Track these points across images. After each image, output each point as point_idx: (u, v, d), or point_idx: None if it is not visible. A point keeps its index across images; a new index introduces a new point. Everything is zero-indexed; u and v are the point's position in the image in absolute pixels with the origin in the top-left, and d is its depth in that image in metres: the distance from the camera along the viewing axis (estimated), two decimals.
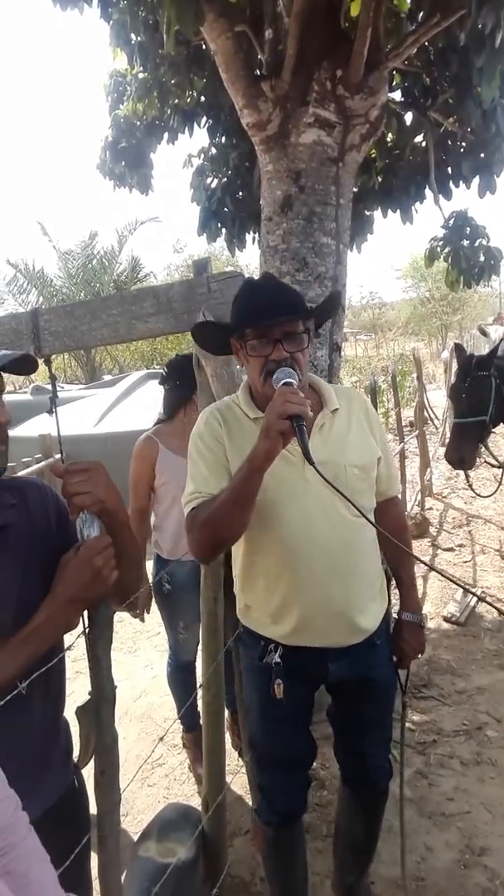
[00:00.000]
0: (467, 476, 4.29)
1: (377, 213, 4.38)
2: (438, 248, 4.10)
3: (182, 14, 2.60)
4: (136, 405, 7.48)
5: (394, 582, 1.98)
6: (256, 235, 4.09)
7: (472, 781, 2.73)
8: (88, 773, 1.29)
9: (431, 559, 5.23)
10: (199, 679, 2.28)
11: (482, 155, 3.93)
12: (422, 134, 3.98)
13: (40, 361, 1.87)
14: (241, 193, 4.24)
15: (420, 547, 5.49)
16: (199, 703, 2.26)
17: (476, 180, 3.99)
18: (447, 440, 4.06)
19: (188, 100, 4.13)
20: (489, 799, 2.61)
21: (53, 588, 1.15)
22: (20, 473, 4.56)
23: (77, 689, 1.42)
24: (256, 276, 2.02)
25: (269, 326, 1.55)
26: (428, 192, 4.07)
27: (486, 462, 4.39)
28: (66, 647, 1.30)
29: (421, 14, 3.24)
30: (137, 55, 3.64)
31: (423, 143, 4.00)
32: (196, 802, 2.46)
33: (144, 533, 2.84)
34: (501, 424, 3.84)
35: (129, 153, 4.56)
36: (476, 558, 5.27)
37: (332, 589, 1.67)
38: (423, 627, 1.97)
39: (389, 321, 31.96)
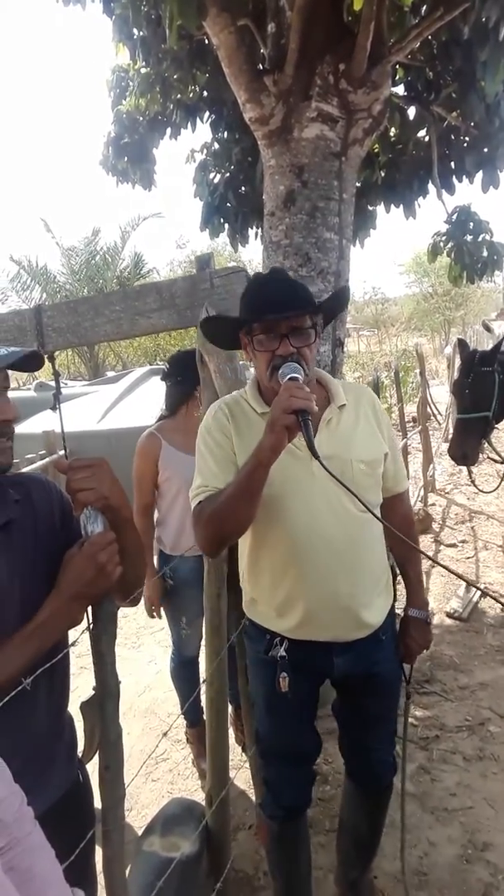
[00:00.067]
0: (470, 472, 4.29)
1: (380, 208, 4.36)
2: (441, 244, 4.09)
3: (184, 8, 2.60)
4: (140, 401, 7.48)
5: (400, 578, 1.98)
6: (259, 231, 4.08)
7: (475, 777, 2.73)
8: (93, 767, 1.30)
9: (434, 555, 5.23)
10: (203, 674, 2.28)
11: (485, 149, 3.92)
12: (425, 128, 3.97)
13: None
14: (243, 188, 4.23)
15: (423, 543, 5.49)
16: (203, 698, 2.26)
17: (479, 175, 3.98)
18: (450, 436, 4.06)
19: (191, 95, 4.11)
20: (492, 794, 2.62)
21: (57, 584, 1.15)
22: (24, 470, 4.57)
23: (81, 684, 1.43)
24: (259, 272, 2.02)
25: (276, 321, 1.56)
26: (431, 186, 4.06)
27: (489, 458, 4.38)
28: (70, 642, 1.30)
29: (424, 7, 3.23)
30: (140, 50, 3.63)
31: (427, 138, 3.98)
32: (200, 797, 2.47)
33: (150, 529, 2.84)
34: None
35: (131, 149, 4.54)
36: (479, 554, 5.27)
37: (337, 583, 1.67)
38: (430, 623, 1.98)
39: (392, 317, 31.92)
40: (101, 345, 19.28)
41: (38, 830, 0.94)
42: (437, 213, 4.16)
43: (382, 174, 4.18)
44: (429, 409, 8.02)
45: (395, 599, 1.91)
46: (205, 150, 4.44)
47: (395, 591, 1.91)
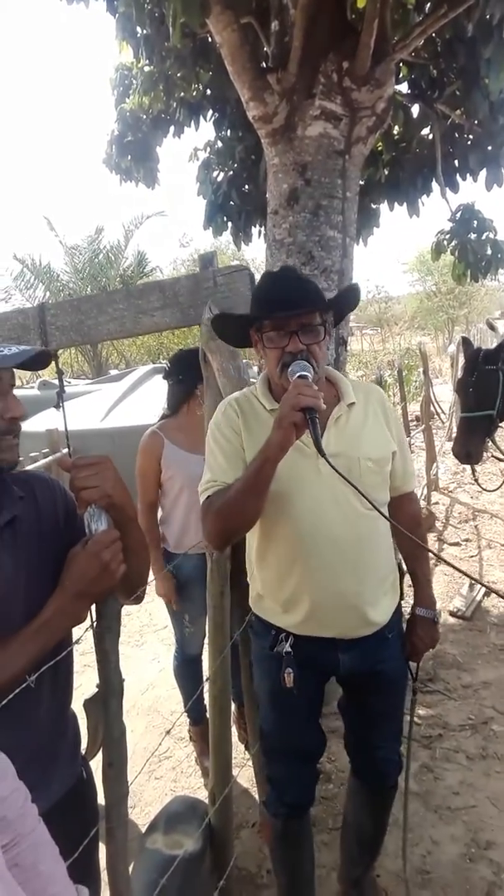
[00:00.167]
0: (473, 471, 4.28)
1: (384, 207, 4.36)
2: (445, 242, 4.08)
3: (188, 6, 2.60)
4: (143, 400, 7.49)
5: (408, 577, 1.98)
6: (262, 229, 4.08)
7: (478, 775, 2.73)
8: (96, 765, 1.30)
9: (438, 552, 5.22)
10: (206, 672, 2.28)
11: (489, 147, 3.91)
12: (429, 126, 3.96)
13: None
14: (247, 187, 4.23)
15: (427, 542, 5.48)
16: (206, 696, 2.26)
17: (483, 173, 3.97)
18: (454, 435, 4.05)
19: (194, 93, 4.11)
20: (495, 793, 2.62)
21: (62, 582, 1.16)
22: (28, 468, 4.57)
23: (85, 682, 1.43)
24: (262, 271, 2.03)
25: (286, 318, 1.57)
26: (435, 185, 4.05)
27: (493, 456, 4.38)
28: (74, 640, 1.30)
29: (428, 5, 3.22)
30: (143, 48, 3.63)
31: (430, 136, 3.98)
32: (203, 795, 2.47)
33: (154, 527, 2.85)
34: None
35: (135, 147, 4.55)
36: (482, 553, 5.27)
37: (342, 580, 1.68)
38: (437, 623, 1.98)
39: (396, 315, 31.84)
40: (105, 343, 19.29)
41: (42, 827, 0.94)
42: (440, 212, 4.16)
43: (386, 172, 4.17)
44: (432, 408, 8.01)
45: (401, 598, 1.91)
46: (208, 149, 4.44)
47: (401, 589, 1.91)
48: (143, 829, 2.09)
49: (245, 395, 1.80)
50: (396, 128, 4.05)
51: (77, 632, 1.29)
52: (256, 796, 2.57)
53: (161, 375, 3.08)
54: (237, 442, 1.69)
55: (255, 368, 7.10)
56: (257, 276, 2.21)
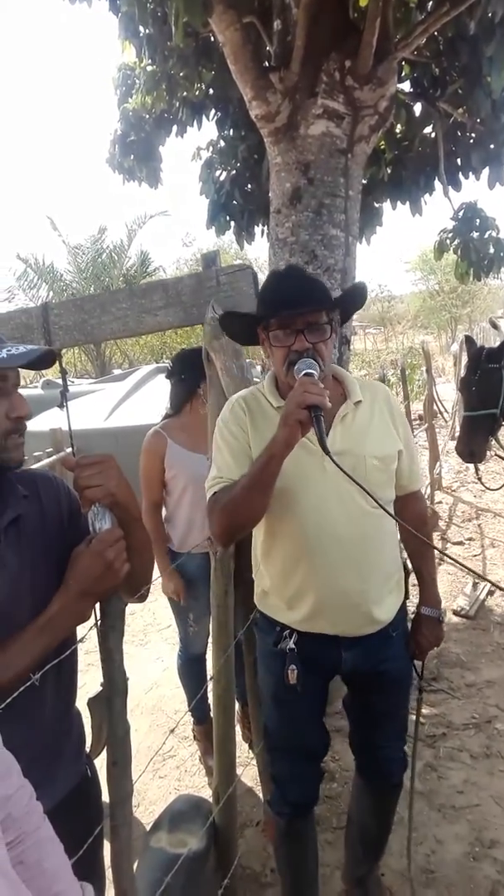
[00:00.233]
0: (477, 469, 4.27)
1: (386, 205, 4.35)
2: (448, 240, 4.08)
3: (190, 6, 2.60)
4: (146, 399, 7.50)
5: (412, 576, 1.98)
6: (265, 228, 4.08)
7: (482, 774, 2.73)
8: (101, 763, 1.30)
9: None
10: (210, 671, 2.29)
11: (492, 146, 3.90)
12: (431, 125, 3.96)
13: None
14: (249, 186, 4.23)
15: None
16: (210, 695, 2.27)
17: (486, 171, 3.96)
18: (457, 433, 4.05)
19: (197, 92, 4.11)
20: (499, 792, 2.62)
21: (66, 580, 1.16)
22: (32, 467, 4.58)
23: (89, 681, 1.43)
24: (265, 270, 2.03)
25: (292, 317, 1.58)
26: (437, 183, 4.05)
27: (496, 455, 4.37)
28: (78, 639, 1.31)
29: (430, 3, 3.22)
30: (146, 48, 3.63)
31: (433, 134, 3.97)
32: (207, 794, 2.47)
33: (160, 527, 2.85)
34: None
35: (137, 146, 4.55)
36: (486, 552, 5.26)
37: (347, 578, 1.68)
38: (442, 622, 1.98)
39: (399, 314, 31.84)
40: (108, 343, 19.30)
41: (47, 825, 0.94)
42: (443, 210, 4.15)
43: (389, 171, 4.17)
44: (435, 407, 8.01)
45: (406, 597, 1.91)
46: (211, 148, 4.44)
47: (407, 588, 1.91)
48: (148, 828, 2.09)
49: (252, 393, 1.81)
50: (399, 126, 4.04)
51: (81, 630, 1.30)
52: (260, 795, 2.57)
53: (164, 375, 3.09)
54: (244, 439, 1.70)
55: (259, 368, 7.11)
56: (260, 276, 2.21)
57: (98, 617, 1.23)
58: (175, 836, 1.94)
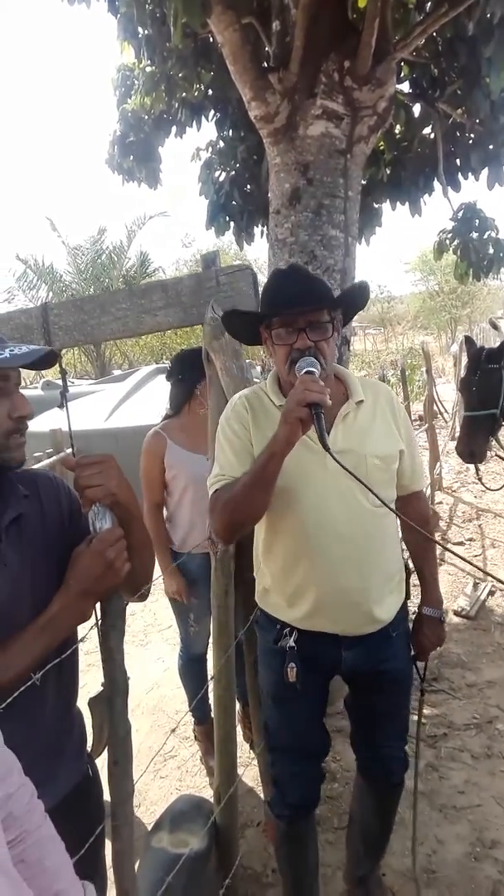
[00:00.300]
0: (477, 470, 4.27)
1: (386, 206, 4.36)
2: (447, 241, 4.08)
3: (189, 6, 2.60)
4: (146, 400, 7.51)
5: (414, 576, 1.98)
6: (265, 229, 4.08)
7: (483, 775, 2.73)
8: (102, 763, 1.30)
9: (441, 554, 5.22)
10: (211, 672, 2.29)
11: (491, 146, 3.91)
12: (430, 125, 3.96)
13: None
14: (249, 187, 4.23)
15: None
16: (211, 695, 2.27)
17: (485, 172, 3.96)
18: (457, 434, 4.05)
19: (196, 93, 4.11)
20: (500, 792, 2.61)
21: (66, 580, 1.16)
22: (32, 467, 4.58)
23: (89, 681, 1.44)
24: (265, 271, 2.04)
25: (293, 315, 1.59)
26: (436, 184, 4.05)
27: (496, 455, 4.38)
28: (79, 638, 1.31)
29: (429, 4, 3.22)
30: (145, 48, 3.64)
31: (432, 135, 3.97)
32: (208, 794, 2.47)
33: (162, 527, 2.85)
34: None
35: (137, 147, 4.55)
36: (486, 552, 5.26)
37: (347, 576, 1.68)
38: (444, 622, 1.98)
39: (398, 315, 31.86)
40: (108, 343, 19.32)
41: (48, 823, 0.94)
42: (442, 211, 4.15)
43: (388, 171, 4.17)
44: (435, 408, 8.00)
45: (407, 597, 1.91)
46: (210, 149, 4.44)
47: (408, 589, 1.91)
48: (149, 829, 2.09)
49: (255, 392, 1.82)
50: (398, 127, 4.05)
51: (82, 630, 1.30)
52: (262, 795, 2.57)
53: (164, 376, 3.09)
54: (246, 437, 1.71)
55: (259, 368, 7.11)
56: (260, 277, 2.22)
57: (99, 616, 1.23)
58: (176, 836, 1.94)
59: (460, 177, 4.09)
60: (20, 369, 1.22)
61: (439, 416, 8.79)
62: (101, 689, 1.27)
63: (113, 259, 19.21)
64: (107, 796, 1.33)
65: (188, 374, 2.74)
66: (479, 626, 4.01)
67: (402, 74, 3.75)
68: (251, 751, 2.77)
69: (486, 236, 3.97)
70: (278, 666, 1.75)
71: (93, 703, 1.37)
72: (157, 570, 2.45)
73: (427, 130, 4.03)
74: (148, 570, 1.38)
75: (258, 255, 22.79)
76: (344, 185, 2.89)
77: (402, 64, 3.64)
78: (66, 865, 0.95)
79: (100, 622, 1.23)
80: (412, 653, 1.97)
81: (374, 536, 1.70)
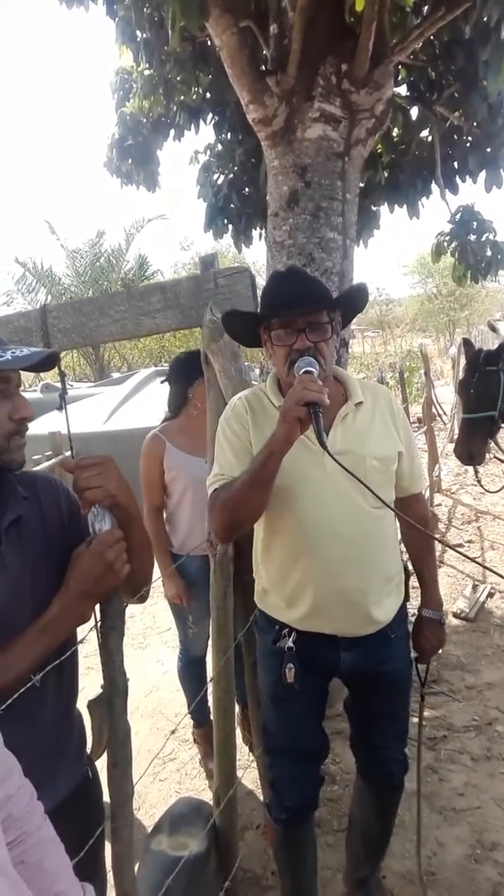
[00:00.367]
0: (476, 472, 4.27)
1: (384, 209, 4.37)
2: (445, 243, 4.08)
3: (187, 10, 2.61)
4: (145, 403, 7.51)
5: (413, 578, 1.98)
6: (263, 231, 4.09)
7: (483, 777, 2.73)
8: (101, 765, 1.30)
9: (440, 556, 5.22)
10: (210, 674, 2.29)
11: (488, 149, 3.92)
12: (428, 128, 3.97)
13: None
14: (247, 189, 4.24)
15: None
16: (210, 698, 2.26)
17: (482, 175, 3.97)
18: (456, 436, 4.05)
19: (194, 96, 4.12)
20: (500, 794, 2.61)
21: (66, 581, 1.16)
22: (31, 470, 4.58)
23: (88, 684, 1.43)
24: (263, 273, 2.05)
25: (292, 316, 1.60)
26: (434, 186, 4.06)
27: (495, 458, 4.38)
28: (78, 640, 1.31)
29: (426, 7, 3.24)
30: (143, 52, 3.65)
31: (429, 138, 3.99)
32: (207, 797, 2.47)
33: (162, 530, 2.85)
34: None
35: (135, 150, 4.56)
36: (485, 554, 5.26)
37: (345, 577, 1.68)
38: (444, 624, 1.99)
39: (397, 317, 31.85)
40: (106, 346, 19.33)
41: (47, 825, 0.94)
42: (440, 213, 4.16)
43: (386, 174, 4.18)
44: (434, 410, 8.01)
45: (407, 599, 1.91)
46: (208, 152, 4.45)
47: (407, 591, 1.91)
48: (148, 831, 2.09)
49: (254, 393, 1.83)
50: (396, 130, 4.06)
51: (81, 632, 1.30)
52: (261, 797, 2.56)
53: (160, 379, 3.10)
54: (245, 437, 1.72)
55: (257, 371, 7.12)
56: (258, 279, 2.22)
57: (98, 618, 1.23)
58: (176, 838, 1.94)
59: (458, 179, 4.11)
60: (21, 371, 1.22)
61: (438, 418, 8.79)
62: (101, 691, 1.27)
63: (112, 262, 19.22)
64: (106, 798, 1.33)
65: (183, 377, 2.75)
66: (478, 629, 4.01)
67: (399, 77, 3.76)
68: (251, 753, 2.77)
69: (483, 239, 3.97)
70: (277, 667, 1.75)
71: (92, 705, 1.37)
72: (157, 573, 2.45)
73: (425, 133, 4.05)
74: (147, 571, 1.38)
75: (257, 257, 22.87)
76: (342, 187, 2.89)
77: (400, 67, 3.66)
78: (66, 867, 0.95)
79: (99, 624, 1.23)
80: (413, 655, 1.97)
81: (372, 537, 1.70)
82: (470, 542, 5.55)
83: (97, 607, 1.22)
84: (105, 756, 1.27)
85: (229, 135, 4.32)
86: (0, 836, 0.77)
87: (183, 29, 2.73)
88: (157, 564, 2.36)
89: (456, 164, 4.07)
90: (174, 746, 3.15)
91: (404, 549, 2.05)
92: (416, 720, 2.12)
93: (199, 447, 2.50)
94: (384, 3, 2.79)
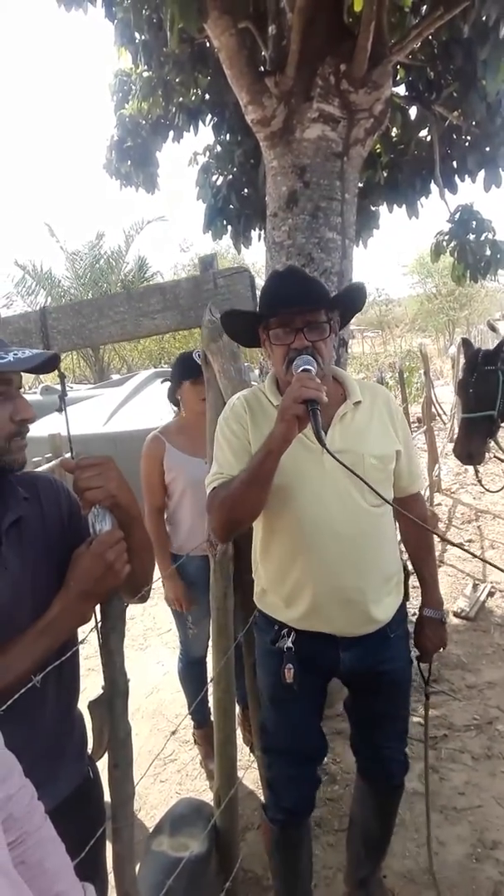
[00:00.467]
0: (476, 471, 4.28)
1: (383, 209, 4.37)
2: (444, 243, 4.09)
3: (185, 11, 2.62)
4: (145, 404, 7.51)
5: (413, 577, 1.98)
6: (262, 232, 4.10)
7: (483, 776, 2.73)
8: (102, 765, 1.30)
9: (440, 555, 5.22)
10: (210, 674, 2.29)
11: (487, 148, 3.92)
12: (426, 128, 3.98)
13: None
14: (246, 190, 4.25)
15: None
16: (210, 698, 2.26)
17: (481, 174, 3.98)
18: (455, 436, 4.05)
19: (193, 98, 4.14)
20: (500, 793, 2.61)
21: (66, 582, 1.16)
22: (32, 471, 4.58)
23: (89, 685, 1.43)
24: (262, 274, 2.05)
25: (291, 315, 1.60)
26: (433, 186, 4.07)
27: (495, 457, 4.38)
28: (79, 641, 1.31)
29: (424, 7, 3.24)
30: (142, 54, 3.65)
31: (428, 138, 3.99)
32: (208, 797, 2.47)
33: (163, 531, 2.85)
34: None
35: (134, 152, 4.57)
36: (485, 553, 5.26)
37: (344, 575, 1.68)
38: (445, 623, 1.98)
39: (396, 317, 31.86)
40: (106, 348, 19.32)
41: (48, 825, 0.94)
42: (439, 213, 4.16)
43: (385, 174, 4.19)
44: (434, 409, 8.01)
45: (406, 598, 1.91)
46: (207, 153, 4.46)
47: (406, 590, 1.91)
48: (149, 832, 2.09)
49: (253, 392, 1.83)
50: (394, 130, 4.07)
51: (82, 633, 1.30)
52: (262, 798, 2.56)
53: (162, 380, 3.12)
54: (244, 437, 1.72)
55: (257, 371, 7.12)
56: (257, 280, 2.22)
57: (99, 618, 1.23)
58: (177, 839, 1.94)
59: (457, 179, 4.11)
60: (22, 373, 1.22)
61: (438, 417, 8.79)
62: (101, 692, 1.27)
63: (111, 264, 19.22)
64: (107, 798, 1.33)
65: (174, 378, 2.78)
66: (478, 628, 4.01)
67: (398, 77, 3.77)
68: (251, 754, 2.77)
69: (482, 238, 3.98)
70: (276, 667, 1.74)
71: (93, 706, 1.37)
72: (158, 574, 2.45)
73: (423, 133, 4.06)
74: (148, 571, 1.38)
75: (256, 258, 22.88)
76: (341, 187, 2.90)
77: (398, 67, 3.66)
78: (67, 867, 0.95)
79: (100, 624, 1.23)
80: (415, 654, 1.97)
81: (371, 535, 1.70)
82: (470, 541, 5.55)
83: (98, 608, 1.22)
84: (106, 757, 1.27)
85: (228, 136, 4.33)
86: (1, 836, 0.77)
87: (181, 30, 2.74)
88: (157, 565, 2.36)
89: (455, 163, 4.07)
90: (175, 747, 3.15)
91: (404, 548, 2.06)
92: (416, 720, 2.12)
93: (199, 448, 2.50)
94: (383, 4, 2.79)
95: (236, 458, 1.69)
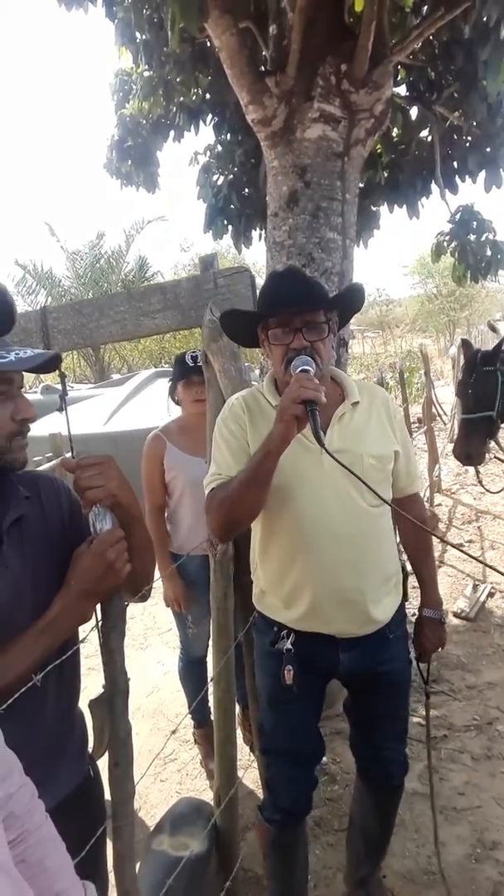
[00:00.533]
0: (477, 472, 4.27)
1: (383, 209, 4.37)
2: (445, 243, 4.09)
3: (186, 11, 2.61)
4: (145, 404, 7.51)
5: (413, 578, 1.98)
6: (263, 232, 4.10)
7: (483, 776, 2.73)
8: (103, 764, 1.30)
9: (440, 556, 5.22)
10: (210, 674, 2.29)
11: (488, 149, 3.92)
12: (427, 128, 3.98)
13: None
14: (247, 190, 4.25)
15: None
16: (210, 698, 2.26)
17: (482, 174, 3.98)
18: (455, 436, 4.05)
19: (193, 97, 4.13)
20: (500, 793, 2.61)
21: (67, 581, 1.16)
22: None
23: (89, 685, 1.43)
24: (262, 274, 2.05)
25: (290, 315, 1.60)
26: (434, 186, 4.06)
27: (495, 458, 4.38)
28: (79, 640, 1.31)
29: (425, 7, 3.24)
30: (142, 53, 3.65)
31: (429, 138, 3.99)
32: (208, 797, 2.47)
33: (164, 530, 2.86)
34: None
35: (135, 152, 4.57)
36: (485, 554, 5.26)
37: (343, 576, 1.68)
38: (444, 623, 1.99)
39: (397, 318, 31.87)
40: (106, 348, 19.33)
41: (48, 823, 0.94)
42: (440, 213, 4.16)
43: (385, 174, 4.19)
44: (434, 410, 8.01)
45: (405, 599, 1.91)
46: (208, 153, 4.46)
47: (405, 591, 1.91)
48: (150, 831, 2.09)
49: (252, 393, 1.83)
50: (395, 130, 4.06)
51: (82, 632, 1.30)
52: (262, 797, 2.56)
53: (163, 379, 3.13)
54: (243, 437, 1.72)
55: (257, 371, 7.11)
56: (258, 280, 2.22)
57: (99, 618, 1.23)
58: (177, 838, 1.94)
59: (458, 179, 4.11)
60: (23, 372, 1.22)
61: (438, 418, 8.79)
62: (102, 691, 1.27)
63: (112, 263, 19.22)
64: (107, 797, 1.33)
65: (173, 378, 2.79)
66: (478, 628, 4.01)
67: (398, 77, 3.77)
68: (251, 753, 2.77)
69: (483, 238, 3.98)
70: (275, 668, 1.74)
71: (93, 705, 1.37)
72: (157, 574, 2.45)
73: (424, 133, 4.05)
74: (148, 570, 1.38)
75: (256, 258, 22.87)
76: (341, 187, 2.90)
77: (399, 67, 3.66)
78: (67, 865, 0.95)
79: (100, 623, 1.23)
80: (414, 655, 1.97)
81: (370, 536, 1.70)
82: (470, 541, 5.55)
83: (98, 607, 1.22)
84: (106, 755, 1.28)
85: (229, 135, 4.33)
86: (1, 834, 0.77)
87: (182, 30, 2.74)
88: (158, 565, 2.37)
89: (455, 163, 4.07)
90: (175, 747, 3.15)
91: (402, 549, 2.05)
92: (416, 720, 2.12)
93: (200, 447, 2.50)
94: (383, 4, 2.79)
95: (235, 459, 1.69)
